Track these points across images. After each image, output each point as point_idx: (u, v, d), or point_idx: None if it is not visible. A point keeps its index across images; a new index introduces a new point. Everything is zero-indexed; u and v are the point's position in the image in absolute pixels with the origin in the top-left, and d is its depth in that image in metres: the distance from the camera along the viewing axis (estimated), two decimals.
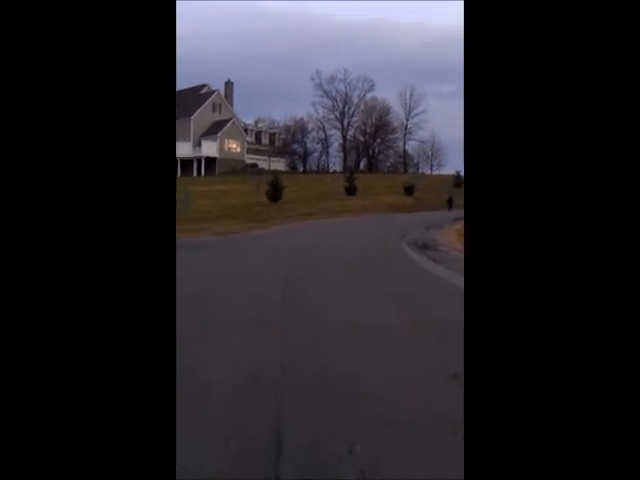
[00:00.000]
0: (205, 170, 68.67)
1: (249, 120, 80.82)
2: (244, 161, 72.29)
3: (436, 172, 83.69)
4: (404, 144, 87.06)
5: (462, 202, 43.37)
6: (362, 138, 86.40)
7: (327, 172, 79.38)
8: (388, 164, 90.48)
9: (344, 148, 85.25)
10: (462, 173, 60.65)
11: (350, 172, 55.90)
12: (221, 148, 70.61)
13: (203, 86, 74.60)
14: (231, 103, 76.11)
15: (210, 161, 69.41)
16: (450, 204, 43.63)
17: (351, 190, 48.63)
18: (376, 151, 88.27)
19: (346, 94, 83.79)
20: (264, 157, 74.36)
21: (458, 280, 10.49)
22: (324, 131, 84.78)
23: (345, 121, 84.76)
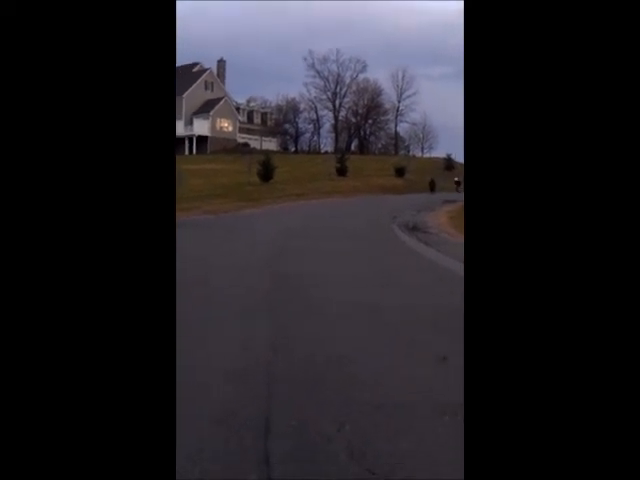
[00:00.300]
0: (197, 149, 68.24)
1: (241, 99, 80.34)
2: (236, 140, 71.89)
3: (427, 155, 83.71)
4: (395, 126, 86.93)
5: (448, 185, 44.32)
6: (354, 119, 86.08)
7: (319, 153, 79.08)
8: (379, 146, 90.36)
9: (336, 129, 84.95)
10: (453, 156, 60.88)
11: (341, 153, 55.81)
12: (213, 127, 70.18)
13: (195, 64, 73.90)
14: (223, 82, 75.52)
15: (202, 140, 68.98)
16: (432, 187, 44.15)
17: (342, 171, 48.54)
18: (367, 132, 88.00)
19: (338, 75, 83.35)
20: (256, 137, 74.00)
21: (449, 263, 10.56)
22: (316, 112, 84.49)
23: (337, 102, 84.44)
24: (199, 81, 71.60)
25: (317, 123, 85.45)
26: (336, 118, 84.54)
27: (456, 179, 46.35)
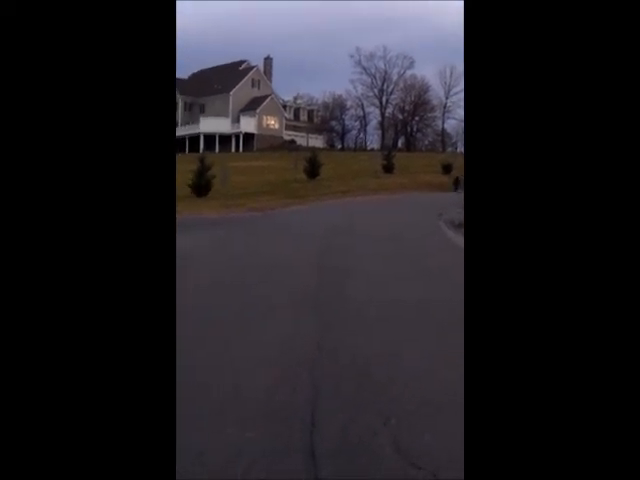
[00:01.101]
0: (243, 146, 68.84)
1: (288, 97, 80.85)
2: (282, 137, 72.31)
3: None
4: (443, 123, 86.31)
5: None
6: (400, 116, 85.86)
7: (365, 150, 78.97)
8: (426, 142, 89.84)
9: (382, 126, 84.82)
10: None
11: (388, 150, 55.51)
12: (259, 124, 70.68)
13: (242, 62, 74.59)
14: (270, 79, 76.04)
15: (248, 137, 69.56)
16: (456, 185, 40.80)
17: (389, 168, 48.36)
18: (414, 129, 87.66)
19: (385, 72, 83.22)
20: (302, 134, 74.29)
21: None
22: (362, 109, 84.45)
23: (384, 99, 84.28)
24: (246, 79, 72.20)
25: (363, 120, 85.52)
26: (383, 115, 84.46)
27: (457, 176, 40.48)
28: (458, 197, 21.84)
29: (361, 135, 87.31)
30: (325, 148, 72.39)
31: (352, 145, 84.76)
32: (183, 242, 14.32)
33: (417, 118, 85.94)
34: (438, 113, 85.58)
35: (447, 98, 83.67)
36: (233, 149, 67.98)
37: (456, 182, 39.75)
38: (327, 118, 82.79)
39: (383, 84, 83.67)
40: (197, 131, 68.05)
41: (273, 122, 72.86)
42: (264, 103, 71.45)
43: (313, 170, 42.28)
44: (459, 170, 48.93)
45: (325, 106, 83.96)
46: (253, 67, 74.29)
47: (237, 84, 70.91)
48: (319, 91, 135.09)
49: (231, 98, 69.80)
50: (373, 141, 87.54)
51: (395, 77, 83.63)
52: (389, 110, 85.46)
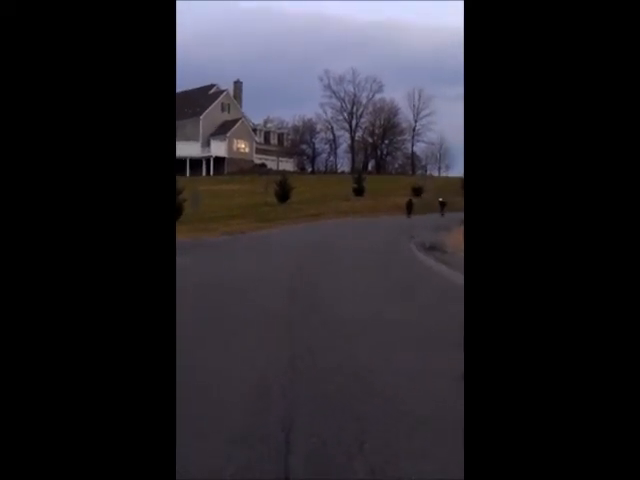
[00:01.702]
0: (214, 170, 68.64)
1: (258, 120, 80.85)
2: (252, 161, 72.28)
3: (444, 174, 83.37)
4: (412, 146, 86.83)
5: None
6: (370, 139, 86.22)
7: (335, 173, 79.32)
8: (396, 165, 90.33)
9: (352, 149, 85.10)
10: None
11: (358, 173, 55.77)
12: (230, 148, 70.58)
13: (212, 86, 74.57)
14: (240, 103, 76.09)
15: (219, 161, 69.40)
16: (442, 208, 40.75)
17: (359, 191, 48.60)
18: (384, 152, 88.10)
19: (354, 95, 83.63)
20: (273, 157, 74.28)
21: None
22: (332, 132, 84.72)
23: (353, 122, 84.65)
24: (216, 103, 72.14)
25: (334, 143, 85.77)
26: (352, 138, 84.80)
27: (440, 199, 41.55)
28: (426, 220, 22.15)
29: (331, 158, 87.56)
30: (296, 171, 72.43)
31: (323, 168, 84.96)
32: None
33: (387, 141, 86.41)
34: (407, 136, 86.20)
35: (416, 121, 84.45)
36: (204, 173, 67.76)
37: (442, 205, 39.43)
38: (297, 141, 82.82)
39: (352, 107, 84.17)
40: None
41: (243, 146, 72.81)
42: (234, 127, 71.41)
43: (284, 193, 42.35)
44: (429, 193, 49.16)
45: (295, 129, 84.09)
46: (223, 91, 74.28)
47: (207, 108, 70.82)
48: (289, 115, 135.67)
49: (201, 122, 69.67)
50: (343, 164, 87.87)
51: (364, 100, 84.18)
52: (359, 133, 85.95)
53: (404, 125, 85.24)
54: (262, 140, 77.83)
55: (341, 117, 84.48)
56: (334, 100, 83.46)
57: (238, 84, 76.99)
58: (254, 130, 76.12)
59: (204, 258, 16.67)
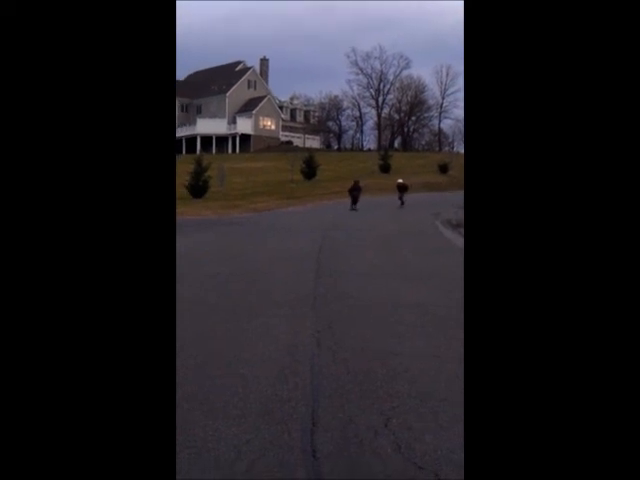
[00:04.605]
0: (240, 147, 68.66)
1: (284, 97, 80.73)
2: (279, 138, 72.19)
3: None
4: (439, 122, 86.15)
5: None
6: (397, 116, 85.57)
7: (361, 150, 78.89)
8: (423, 143, 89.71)
9: (379, 126, 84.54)
10: None
11: (385, 150, 55.44)
12: (256, 125, 70.51)
13: (238, 63, 74.41)
14: (266, 80, 75.84)
15: (245, 138, 69.38)
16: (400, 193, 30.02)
17: (385, 168, 48.33)
18: (411, 129, 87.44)
19: (381, 72, 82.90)
20: (299, 135, 74.18)
21: None
22: (359, 109, 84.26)
23: (380, 99, 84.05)
24: (242, 80, 71.98)
25: (360, 120, 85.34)
26: (379, 115, 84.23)
27: (400, 181, 30.89)
28: (452, 197, 21.91)
29: (358, 135, 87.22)
30: (322, 149, 72.24)
31: (349, 146, 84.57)
32: (197, 239, 14.26)
33: (413, 118, 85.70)
34: (434, 113, 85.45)
35: (443, 98, 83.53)
36: (230, 150, 67.82)
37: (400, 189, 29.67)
38: (324, 119, 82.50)
39: (379, 84, 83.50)
40: (194, 132, 67.88)
41: (269, 123, 72.66)
42: (260, 104, 71.27)
43: (310, 171, 42.25)
44: (455, 170, 48.67)
45: (322, 107, 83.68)
46: (249, 68, 74.05)
47: (233, 85, 70.68)
48: (315, 92, 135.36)
49: (227, 99, 69.60)
50: (370, 141, 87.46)
51: (391, 77, 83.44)
52: (385, 110, 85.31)
53: (431, 102, 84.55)
54: (288, 117, 77.68)
55: (368, 94, 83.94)
56: (361, 77, 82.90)
57: (264, 61, 76.72)
58: (280, 107, 75.93)
59: (232, 234, 16.73)
